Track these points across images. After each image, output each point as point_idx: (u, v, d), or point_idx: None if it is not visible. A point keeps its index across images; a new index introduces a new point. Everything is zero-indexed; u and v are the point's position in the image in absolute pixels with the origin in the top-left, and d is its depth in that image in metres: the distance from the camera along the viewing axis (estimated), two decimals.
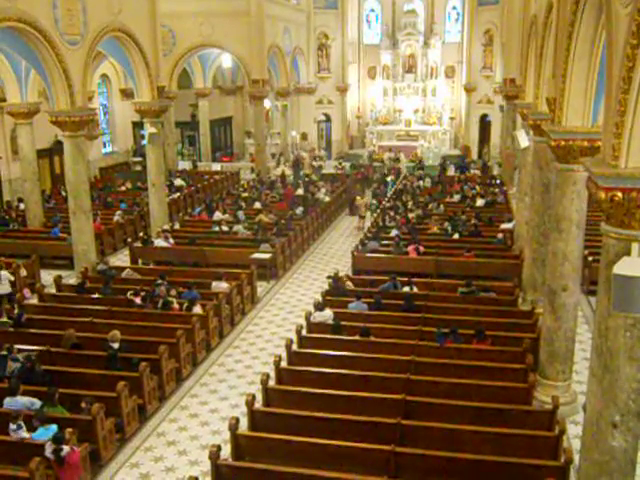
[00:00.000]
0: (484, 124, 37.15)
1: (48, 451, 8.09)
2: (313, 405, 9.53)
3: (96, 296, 14.26)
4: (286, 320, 15.08)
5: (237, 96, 38.97)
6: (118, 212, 21.87)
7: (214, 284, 14.88)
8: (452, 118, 37.69)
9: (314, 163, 33.12)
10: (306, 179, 29.01)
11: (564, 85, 9.22)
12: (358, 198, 24.98)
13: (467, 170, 31.67)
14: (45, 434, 8.48)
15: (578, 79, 9.01)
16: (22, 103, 19.77)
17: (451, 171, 31.60)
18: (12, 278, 15.49)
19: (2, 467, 8.44)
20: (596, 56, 8.67)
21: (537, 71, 13.34)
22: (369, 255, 17.52)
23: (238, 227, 20.12)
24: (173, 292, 13.86)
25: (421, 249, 17.28)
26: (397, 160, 32.40)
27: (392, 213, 21.84)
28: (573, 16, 8.65)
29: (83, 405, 9.30)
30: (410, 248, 17.28)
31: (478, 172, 31.59)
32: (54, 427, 8.60)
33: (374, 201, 25.36)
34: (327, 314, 12.78)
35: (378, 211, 22.86)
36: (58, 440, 8.11)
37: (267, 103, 33.96)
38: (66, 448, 8.08)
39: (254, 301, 16.12)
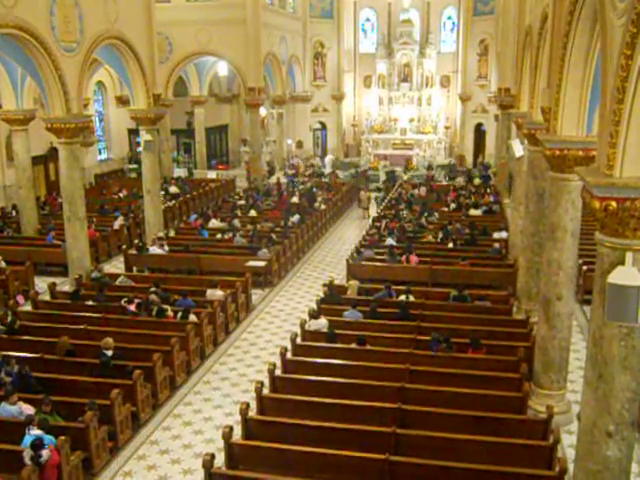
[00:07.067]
0: (479, 133, 37.34)
1: (26, 458, 7.98)
2: (307, 413, 9.50)
3: (90, 303, 14.19)
4: (281, 328, 15.04)
5: (233, 104, 39.06)
6: (120, 218, 21.88)
7: (209, 292, 14.83)
8: (447, 127, 37.80)
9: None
10: (301, 187, 29.06)
11: (559, 95, 9.26)
12: (362, 192, 27.71)
13: (490, 179, 31.64)
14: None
15: (573, 89, 9.06)
16: (17, 109, 19.78)
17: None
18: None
19: None
20: (590, 66, 8.72)
21: (532, 80, 13.40)
22: (364, 263, 17.51)
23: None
24: (168, 300, 13.82)
25: (416, 260, 17.21)
26: (393, 172, 32.51)
27: (387, 221, 21.83)
28: (568, 27, 8.70)
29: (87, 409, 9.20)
30: (403, 259, 17.26)
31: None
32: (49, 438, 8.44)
33: (379, 194, 28.42)
34: (322, 322, 12.76)
35: (383, 204, 25.71)
36: (36, 447, 7.97)
37: (263, 111, 34.02)
38: (45, 452, 7.97)
39: (249, 309, 16.08)
